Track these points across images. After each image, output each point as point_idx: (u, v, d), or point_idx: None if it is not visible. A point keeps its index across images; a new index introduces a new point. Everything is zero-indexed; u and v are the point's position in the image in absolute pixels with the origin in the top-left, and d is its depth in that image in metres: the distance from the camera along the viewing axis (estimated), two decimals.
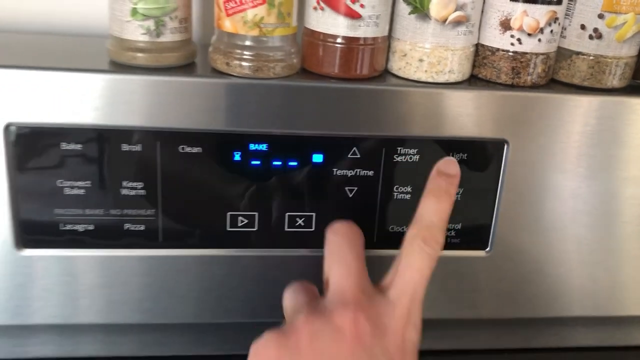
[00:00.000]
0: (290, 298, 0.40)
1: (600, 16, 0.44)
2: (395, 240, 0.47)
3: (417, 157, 0.46)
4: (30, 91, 0.41)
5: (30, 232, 0.44)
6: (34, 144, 0.42)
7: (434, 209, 0.38)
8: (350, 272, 0.37)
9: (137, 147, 0.43)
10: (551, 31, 0.44)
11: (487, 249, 0.49)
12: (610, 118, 0.47)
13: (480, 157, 0.46)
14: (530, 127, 0.46)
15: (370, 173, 0.45)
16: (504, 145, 0.46)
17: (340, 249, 0.39)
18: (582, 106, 0.46)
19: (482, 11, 0.45)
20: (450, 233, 0.48)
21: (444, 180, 0.39)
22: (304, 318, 0.35)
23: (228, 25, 0.41)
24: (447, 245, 0.48)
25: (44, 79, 0.41)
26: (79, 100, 0.41)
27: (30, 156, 0.42)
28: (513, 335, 0.54)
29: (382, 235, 0.47)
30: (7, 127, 0.41)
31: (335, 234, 0.40)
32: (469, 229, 0.48)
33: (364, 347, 0.34)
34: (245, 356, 0.38)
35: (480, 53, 0.46)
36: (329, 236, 0.40)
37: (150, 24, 0.41)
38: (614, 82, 0.47)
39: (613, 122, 0.47)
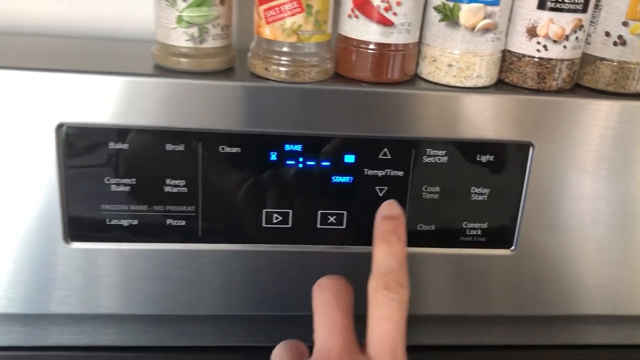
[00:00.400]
0: (277, 357, 0.38)
1: (625, 24, 0.46)
2: (423, 239, 0.50)
3: (446, 159, 0.47)
4: (81, 93, 0.43)
5: (79, 226, 0.46)
6: (83, 143, 0.44)
7: (387, 253, 0.36)
8: (334, 330, 0.35)
9: (180, 147, 0.45)
10: (576, 38, 0.46)
11: (512, 247, 0.50)
12: (632, 122, 0.48)
13: (507, 159, 0.48)
14: (554, 131, 0.47)
15: (400, 173, 0.47)
16: (529, 147, 0.47)
17: (326, 305, 0.37)
18: (605, 110, 0.47)
19: (510, 19, 0.46)
20: (476, 232, 0.50)
21: (390, 224, 0.37)
22: None
23: (267, 32, 0.43)
24: (473, 244, 0.50)
25: (94, 82, 0.43)
26: (126, 102, 0.43)
27: (80, 155, 0.45)
28: (535, 332, 0.55)
29: (411, 233, 0.48)
30: (59, 127, 0.44)
31: (321, 289, 0.37)
32: (494, 228, 0.50)
33: None
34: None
35: (507, 59, 0.48)
36: (315, 292, 0.38)
37: (195, 31, 0.43)
38: (638, 87, 0.48)
39: (635, 126, 0.48)
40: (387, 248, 0.36)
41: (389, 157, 0.47)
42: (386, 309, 0.34)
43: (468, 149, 0.48)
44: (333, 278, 0.38)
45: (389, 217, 0.38)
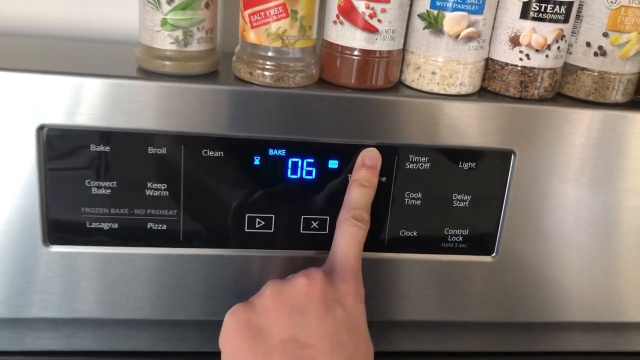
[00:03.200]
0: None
1: (605, 34, 0.47)
2: (405, 244, 0.50)
3: (428, 165, 0.48)
4: (63, 95, 0.43)
5: (58, 229, 0.46)
6: (64, 145, 0.44)
7: (360, 194, 0.45)
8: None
9: (163, 151, 0.45)
10: (558, 47, 0.46)
11: (493, 254, 0.51)
12: (612, 131, 0.49)
13: (489, 167, 0.48)
14: (536, 139, 0.48)
15: (383, 179, 0.47)
16: (511, 155, 0.48)
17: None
18: (586, 119, 0.48)
19: (493, 27, 0.47)
20: (458, 238, 0.50)
21: (367, 171, 0.45)
22: (268, 283, 0.41)
23: (252, 36, 0.43)
24: (455, 250, 0.51)
25: (76, 84, 0.43)
26: (108, 104, 0.43)
27: (61, 157, 0.44)
28: (516, 339, 0.56)
29: (393, 239, 0.49)
30: (39, 129, 0.43)
31: None
32: (475, 235, 0.50)
33: (322, 294, 0.39)
34: None
35: (490, 67, 0.48)
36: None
37: (179, 34, 0.43)
38: (617, 97, 0.49)
39: (615, 135, 0.49)
40: (361, 190, 0.45)
41: None
42: (352, 230, 0.43)
43: (450, 155, 0.48)
44: None
45: (367, 165, 0.46)
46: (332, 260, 0.43)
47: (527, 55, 0.46)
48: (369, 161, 0.46)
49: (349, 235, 0.43)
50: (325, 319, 0.38)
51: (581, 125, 0.48)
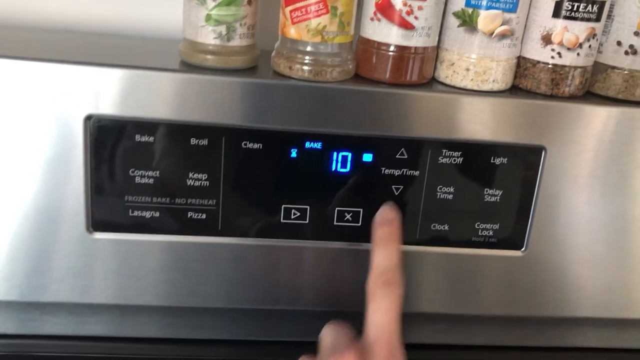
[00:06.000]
0: (330, 337, 0.42)
1: (636, 33, 0.48)
2: (437, 238, 0.51)
3: (461, 160, 0.49)
4: (110, 86, 0.44)
5: (102, 217, 0.47)
6: (110, 135, 0.46)
7: (384, 255, 0.41)
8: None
9: (204, 142, 0.46)
10: (589, 46, 0.47)
11: (523, 249, 0.52)
12: None
13: (520, 162, 0.49)
14: (566, 135, 0.49)
15: (416, 173, 0.49)
16: (542, 151, 0.49)
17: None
18: (616, 117, 0.49)
19: (525, 26, 0.48)
20: (488, 233, 0.51)
21: (386, 229, 0.43)
22: None
23: (293, 32, 0.45)
24: (485, 245, 0.51)
25: (123, 76, 0.44)
26: (153, 96, 0.45)
27: (107, 146, 0.46)
28: (543, 334, 0.56)
29: (424, 232, 0.50)
30: (87, 119, 0.45)
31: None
32: (506, 229, 0.51)
33: None
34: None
35: (522, 65, 0.49)
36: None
37: (223, 29, 0.45)
38: None
39: None
40: (384, 250, 0.42)
41: (406, 156, 0.48)
42: (384, 301, 0.39)
43: (482, 151, 0.49)
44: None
45: (385, 222, 0.43)
46: (367, 337, 0.39)
47: (559, 54, 0.47)
48: (383, 217, 0.44)
49: (382, 308, 0.39)
50: None
51: (611, 122, 0.49)
